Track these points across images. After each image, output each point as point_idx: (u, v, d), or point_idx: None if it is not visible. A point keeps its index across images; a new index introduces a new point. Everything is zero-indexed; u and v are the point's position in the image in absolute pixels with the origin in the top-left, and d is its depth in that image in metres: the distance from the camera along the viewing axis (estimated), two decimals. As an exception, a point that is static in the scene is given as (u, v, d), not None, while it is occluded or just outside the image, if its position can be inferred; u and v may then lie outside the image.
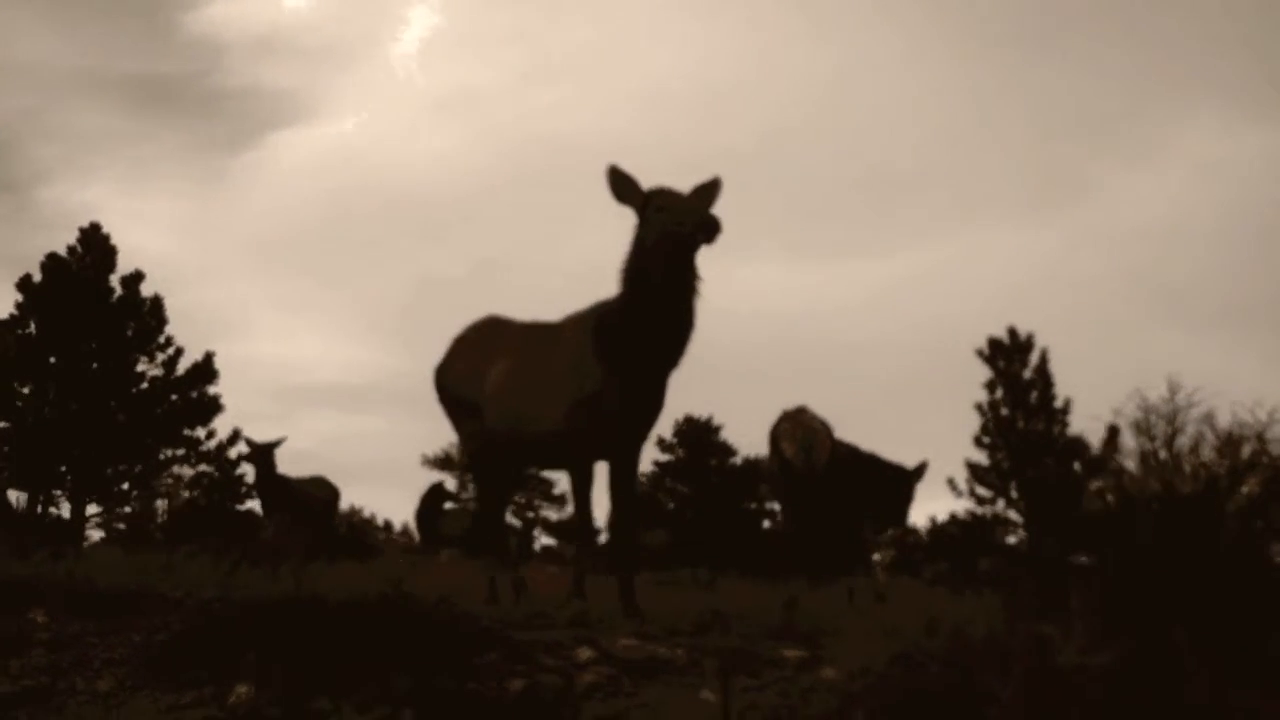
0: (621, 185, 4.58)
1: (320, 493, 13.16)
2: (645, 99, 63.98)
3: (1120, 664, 3.08)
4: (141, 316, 15.32)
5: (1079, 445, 19.55)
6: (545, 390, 4.88)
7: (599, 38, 68.85)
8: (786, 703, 3.47)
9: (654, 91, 65.38)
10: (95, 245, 15.41)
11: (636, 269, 4.51)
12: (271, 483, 12.30)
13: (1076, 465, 19.83)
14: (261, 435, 12.17)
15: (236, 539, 11.52)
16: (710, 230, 4.31)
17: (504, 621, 3.94)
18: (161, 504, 17.08)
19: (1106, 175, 55.95)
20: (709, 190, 4.62)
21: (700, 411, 25.04)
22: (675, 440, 24.94)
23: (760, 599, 5.66)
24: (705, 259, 4.45)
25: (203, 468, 16.45)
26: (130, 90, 63.54)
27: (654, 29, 67.45)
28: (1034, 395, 20.46)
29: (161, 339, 15.48)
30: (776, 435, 7.58)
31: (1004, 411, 20.38)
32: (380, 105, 65.31)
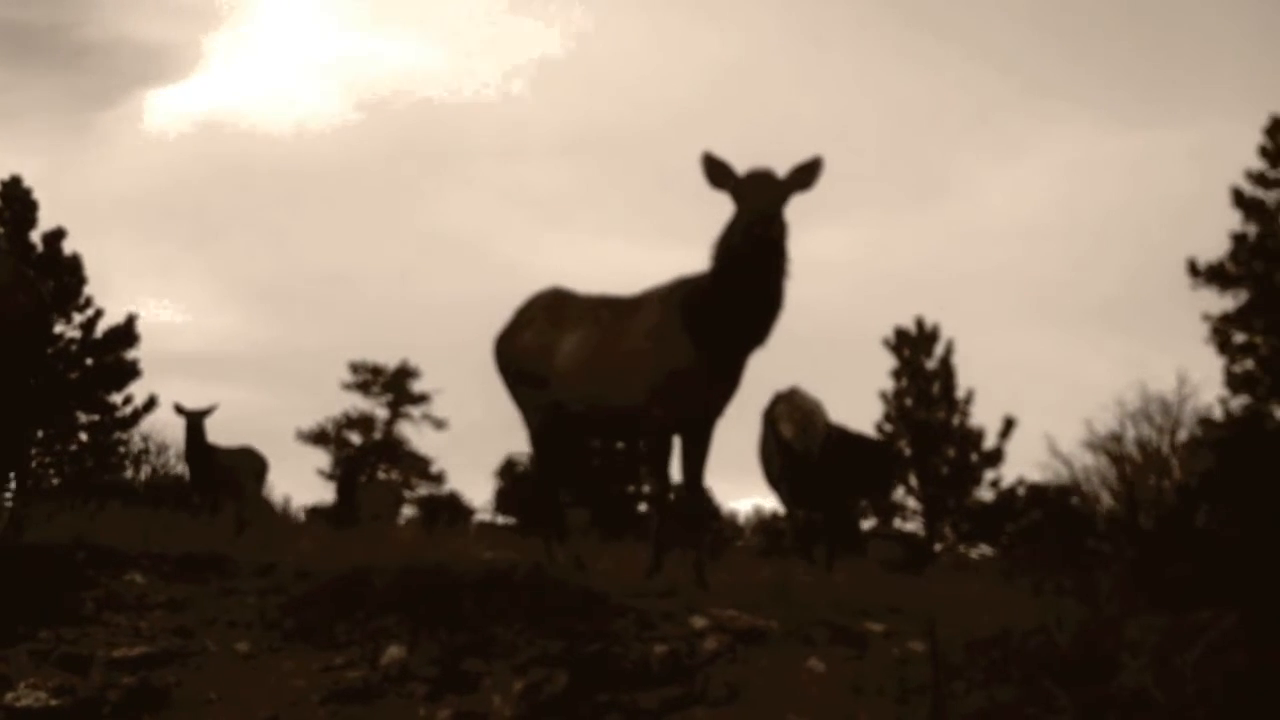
0: (715, 171, 4.60)
1: (249, 464, 12.95)
2: (533, 70, 63.31)
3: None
4: (61, 275, 14.70)
5: (978, 436, 20.37)
6: (626, 364, 4.88)
7: (488, 3, 68.00)
8: (889, 673, 3.61)
9: (541, 63, 64.91)
10: (16, 200, 14.72)
11: (723, 251, 4.57)
12: (201, 452, 12.06)
13: (974, 455, 20.66)
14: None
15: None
16: (764, 226, 4.43)
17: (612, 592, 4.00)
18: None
19: (969, 174, 57.89)
20: (808, 170, 4.58)
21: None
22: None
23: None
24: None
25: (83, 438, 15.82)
26: (-8, 37, 60.18)
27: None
28: (937, 386, 21.13)
29: (81, 300, 14.89)
30: (773, 417, 7.75)
31: (908, 401, 21.04)
32: (254, 66, 63.16)
